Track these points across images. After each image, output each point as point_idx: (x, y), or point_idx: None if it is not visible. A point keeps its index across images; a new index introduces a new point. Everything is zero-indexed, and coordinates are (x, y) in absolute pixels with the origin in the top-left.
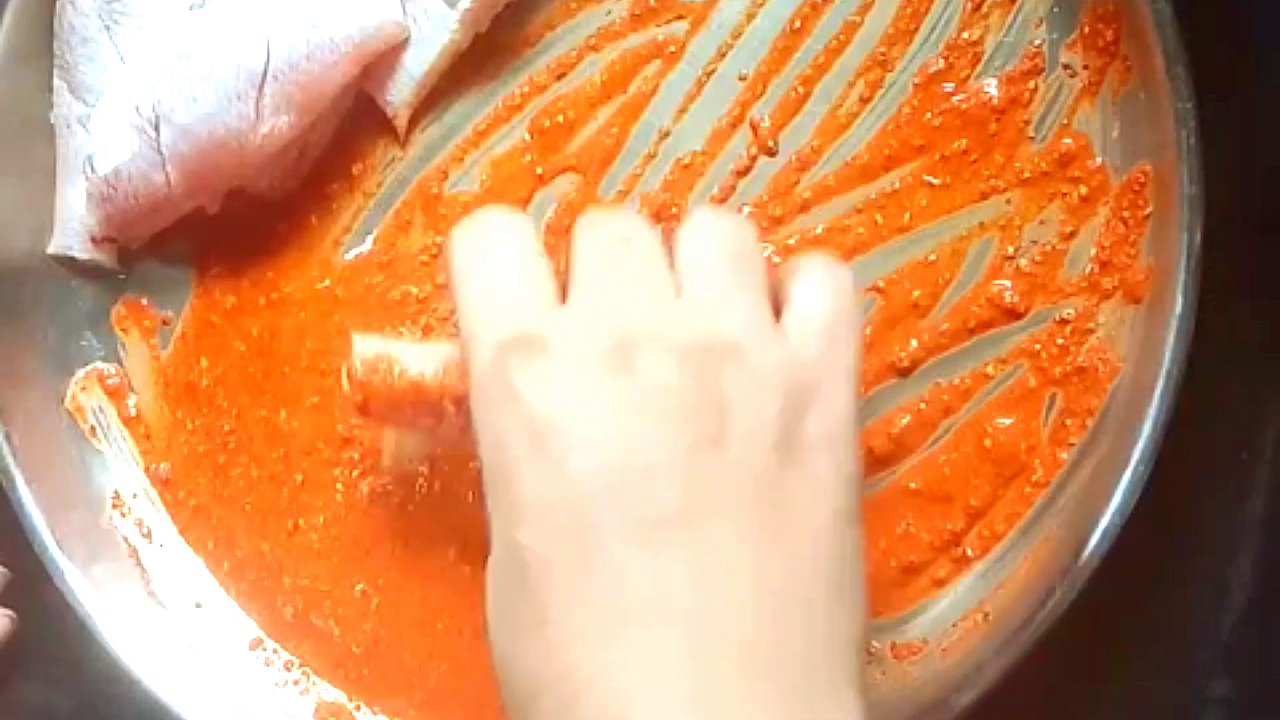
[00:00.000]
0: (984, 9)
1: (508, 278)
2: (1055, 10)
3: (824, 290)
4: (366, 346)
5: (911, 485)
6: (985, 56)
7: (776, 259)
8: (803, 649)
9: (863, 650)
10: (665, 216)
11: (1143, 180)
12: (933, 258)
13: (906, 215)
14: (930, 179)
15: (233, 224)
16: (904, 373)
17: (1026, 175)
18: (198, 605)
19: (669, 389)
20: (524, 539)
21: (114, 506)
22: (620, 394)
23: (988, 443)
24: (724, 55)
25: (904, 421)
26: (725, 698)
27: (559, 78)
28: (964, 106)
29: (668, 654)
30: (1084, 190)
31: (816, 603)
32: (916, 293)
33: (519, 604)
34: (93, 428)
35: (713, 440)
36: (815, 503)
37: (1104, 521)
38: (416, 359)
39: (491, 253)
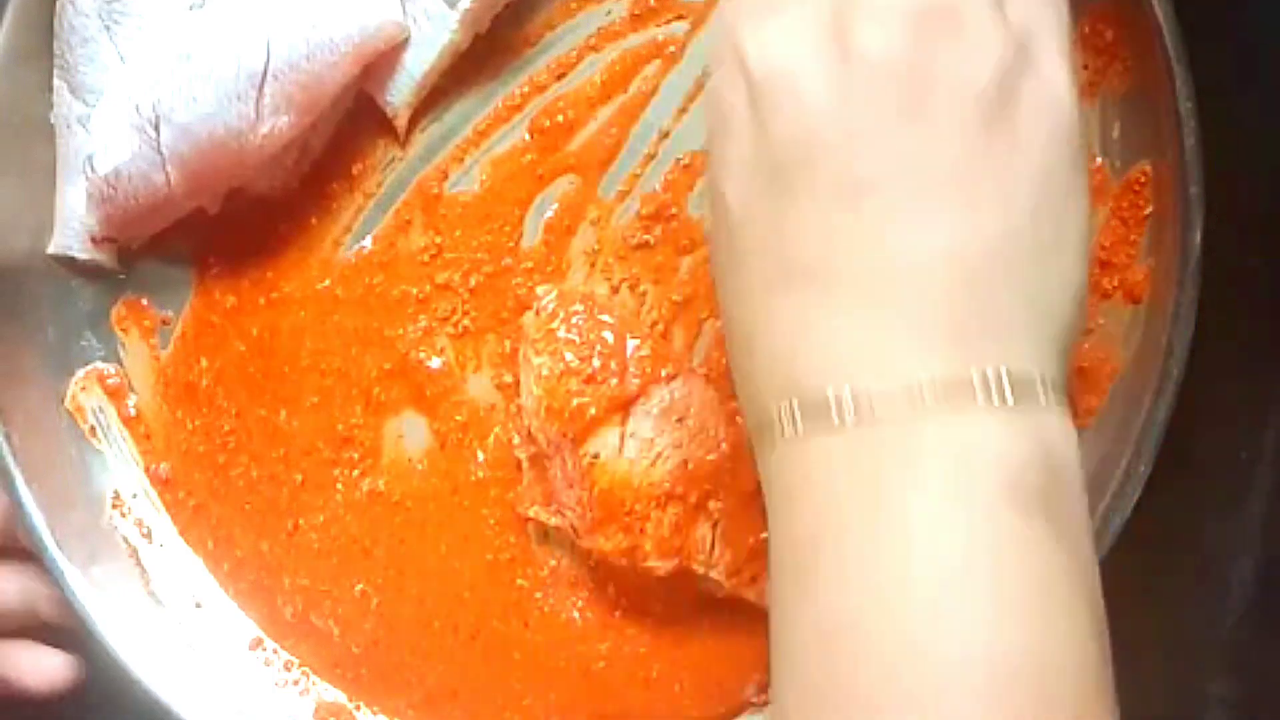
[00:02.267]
0: None
1: None
2: None
3: None
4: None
5: None
6: None
7: None
8: (993, 310)
9: (1073, 313)
10: (665, 216)
11: (1143, 180)
12: None
13: None
14: None
15: (233, 224)
16: None
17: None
18: (198, 605)
19: (879, 59)
20: (729, 193)
21: (114, 506)
22: (833, 61)
23: None
24: None
25: None
26: (895, 346)
27: (559, 78)
28: None
29: (842, 306)
30: None
31: (1015, 268)
32: None
33: (728, 254)
34: (93, 428)
35: (916, 112)
36: (1023, 168)
37: (1104, 521)
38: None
39: None
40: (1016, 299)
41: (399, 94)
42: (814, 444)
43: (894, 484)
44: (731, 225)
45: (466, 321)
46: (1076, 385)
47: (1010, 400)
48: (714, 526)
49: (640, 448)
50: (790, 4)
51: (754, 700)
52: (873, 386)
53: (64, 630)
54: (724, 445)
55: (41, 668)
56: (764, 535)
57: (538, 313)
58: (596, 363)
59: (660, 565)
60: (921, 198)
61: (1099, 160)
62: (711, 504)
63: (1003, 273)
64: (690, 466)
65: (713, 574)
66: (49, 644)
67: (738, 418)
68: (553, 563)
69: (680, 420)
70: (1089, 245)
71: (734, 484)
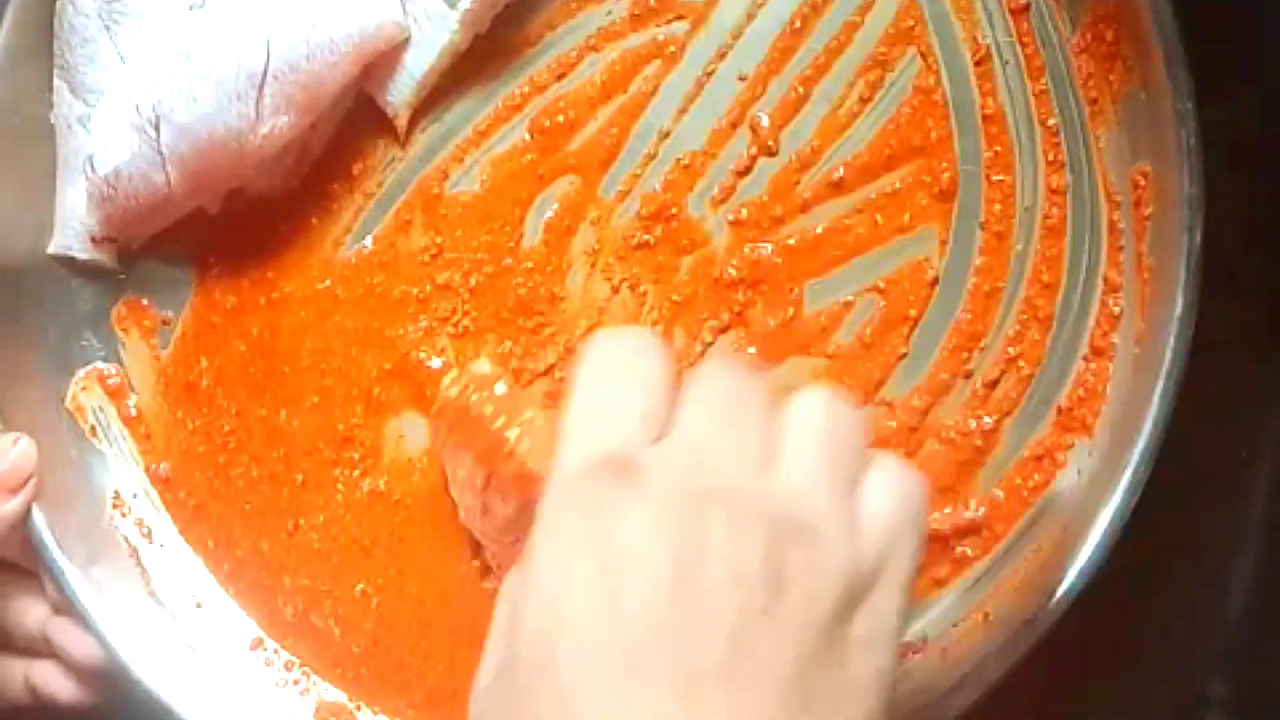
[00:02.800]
0: None
1: (628, 400)
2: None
3: (899, 496)
4: (484, 367)
5: None
6: None
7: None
8: None
9: None
10: (665, 217)
11: (1143, 180)
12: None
13: (906, 215)
14: (930, 179)
15: (233, 224)
16: (905, 373)
17: None
18: (198, 605)
19: (738, 552)
20: (561, 657)
21: (114, 506)
22: (693, 543)
23: (978, 442)
24: (724, 55)
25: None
26: None
27: (559, 78)
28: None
29: None
30: None
31: None
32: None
33: (544, 706)
34: (93, 428)
35: (765, 609)
36: (847, 700)
37: (1104, 521)
38: (509, 408)
39: (622, 370)
40: None
41: (399, 94)
42: None
43: None
44: (552, 682)
45: (466, 322)
46: (1077, 393)
47: None
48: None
49: None
50: (652, 477)
51: None
52: None
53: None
54: None
55: (71, 683)
56: None
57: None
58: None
59: None
60: (771, 703)
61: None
62: None
63: None
64: None
65: None
66: None
67: None
68: None
69: None
70: None
71: None
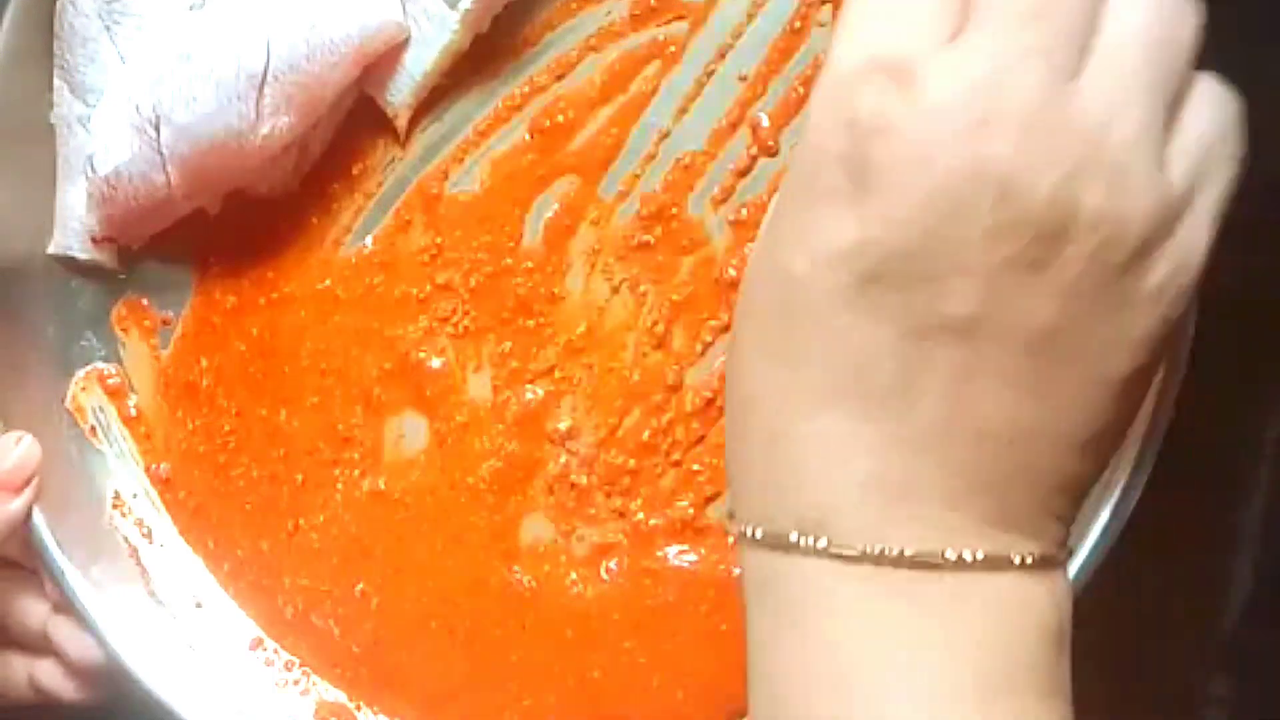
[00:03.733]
0: None
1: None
2: None
3: (1220, 121)
4: None
5: None
6: None
7: None
8: (1019, 487)
9: (1085, 491)
10: (666, 217)
11: None
12: None
13: None
14: None
15: (233, 224)
16: None
17: None
18: (198, 605)
19: (1019, 190)
20: (800, 268)
21: (114, 506)
22: (963, 169)
23: None
24: (724, 55)
25: None
26: (934, 513)
27: (559, 78)
28: None
29: (897, 451)
30: None
31: (1060, 453)
32: None
33: (778, 338)
34: (93, 428)
35: (1039, 266)
36: (1111, 359)
37: (1104, 521)
38: None
39: None
40: (1067, 483)
41: (399, 94)
42: (816, 565)
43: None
44: (794, 309)
45: (466, 322)
46: None
47: (1037, 570)
48: None
49: None
50: (929, 85)
51: None
52: (907, 548)
53: None
54: None
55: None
56: None
57: None
58: None
59: None
60: (1013, 363)
61: None
62: None
63: (1065, 459)
64: None
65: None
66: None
67: None
68: (546, 568)
69: None
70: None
71: None
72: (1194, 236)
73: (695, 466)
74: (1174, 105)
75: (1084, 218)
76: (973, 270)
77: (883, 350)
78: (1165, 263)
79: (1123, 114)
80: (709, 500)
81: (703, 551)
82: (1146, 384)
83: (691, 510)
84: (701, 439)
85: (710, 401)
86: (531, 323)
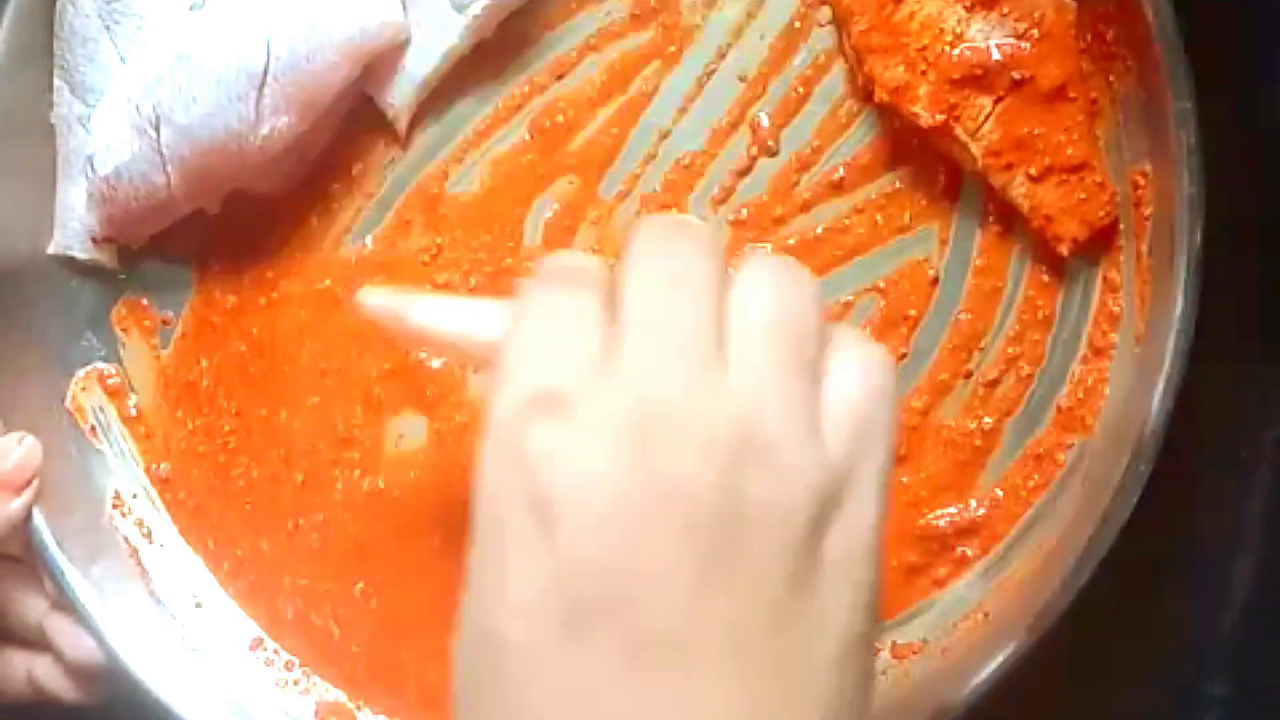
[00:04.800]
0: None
1: (559, 322)
2: None
3: (864, 376)
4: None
5: (904, 480)
6: None
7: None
8: None
9: None
10: None
11: (1143, 180)
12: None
13: (906, 215)
14: (930, 179)
15: (233, 224)
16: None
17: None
18: (198, 605)
19: (687, 491)
20: (504, 626)
21: (114, 506)
22: (634, 484)
23: (978, 442)
24: (724, 55)
25: (903, 423)
26: None
27: (559, 78)
28: None
29: None
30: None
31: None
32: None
33: (491, 689)
34: (93, 428)
35: (724, 561)
36: (823, 634)
37: (1104, 521)
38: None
39: (551, 298)
40: None
41: (400, 96)
42: None
43: None
44: (509, 670)
45: None
46: (1077, 393)
47: None
48: (996, 102)
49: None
50: (585, 411)
51: None
52: None
53: None
54: (1036, 32)
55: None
56: (1038, 131)
57: None
58: None
59: (925, 115)
60: (730, 666)
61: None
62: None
63: None
64: (999, 45)
65: (972, 146)
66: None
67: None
68: None
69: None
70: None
71: (1034, 76)
72: (863, 504)
73: None
74: (817, 374)
75: (752, 509)
76: (668, 583)
77: (605, 687)
78: (841, 533)
79: (767, 398)
80: None
81: None
82: (867, 649)
83: None
84: None
85: None
86: None
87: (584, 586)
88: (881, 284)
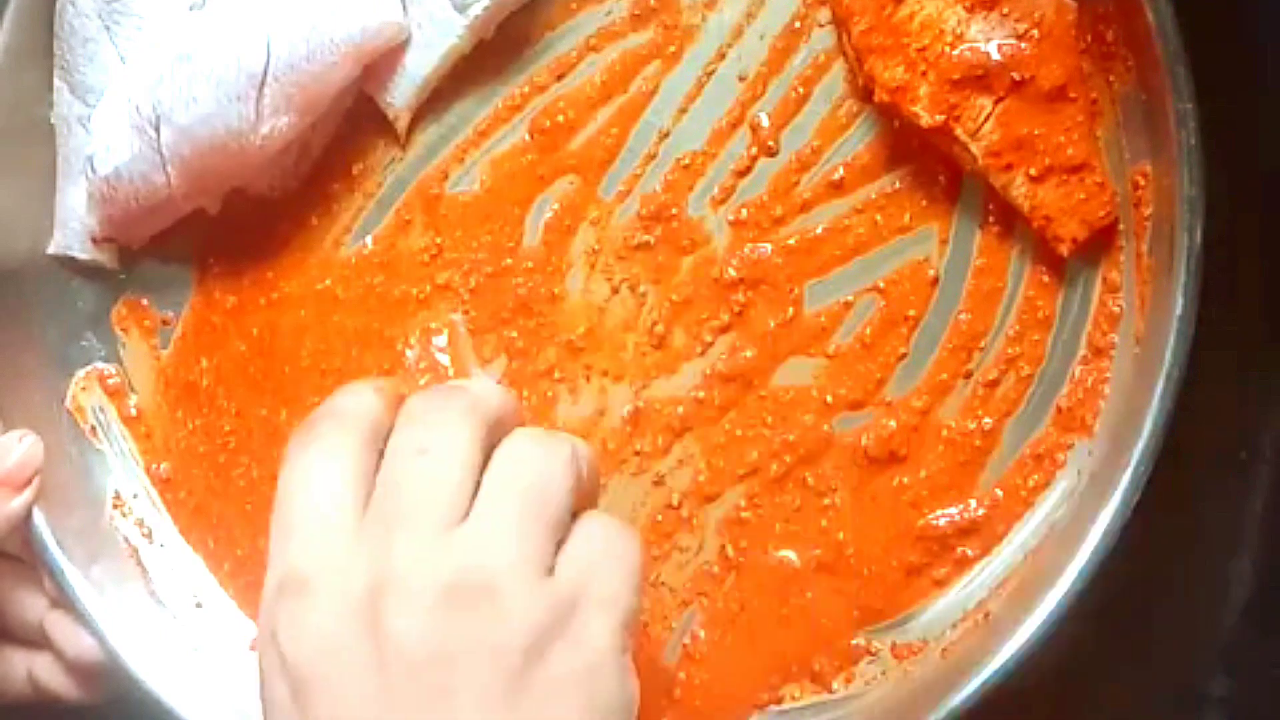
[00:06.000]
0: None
1: (309, 503)
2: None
3: (602, 533)
4: None
5: (904, 480)
6: None
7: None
8: None
9: None
10: (665, 217)
11: (1143, 180)
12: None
13: (906, 215)
14: (930, 179)
15: (233, 224)
16: (905, 373)
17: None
18: (198, 605)
19: (409, 645)
20: None
21: (114, 506)
22: (364, 648)
23: (978, 442)
24: (724, 55)
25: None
26: None
27: (559, 78)
28: None
29: None
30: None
31: None
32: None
33: None
34: (93, 428)
35: (445, 692)
36: None
37: (1104, 521)
38: None
39: (305, 470)
40: None
41: (400, 96)
42: None
43: None
44: None
45: (466, 322)
46: (1077, 393)
47: None
48: (996, 102)
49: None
50: (322, 587)
51: (759, 703)
52: None
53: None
54: (1037, 33)
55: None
56: (1038, 132)
57: None
58: None
59: (925, 115)
60: None
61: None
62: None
63: None
64: (1000, 46)
65: (972, 146)
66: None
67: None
68: None
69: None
70: None
71: (1034, 76)
72: (592, 623)
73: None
74: (557, 530)
75: (463, 647)
76: None
77: None
78: (566, 651)
79: (496, 546)
80: (709, 499)
81: (697, 546)
82: None
83: (686, 508)
84: (683, 435)
85: (700, 401)
86: (531, 323)
87: None
88: (881, 284)
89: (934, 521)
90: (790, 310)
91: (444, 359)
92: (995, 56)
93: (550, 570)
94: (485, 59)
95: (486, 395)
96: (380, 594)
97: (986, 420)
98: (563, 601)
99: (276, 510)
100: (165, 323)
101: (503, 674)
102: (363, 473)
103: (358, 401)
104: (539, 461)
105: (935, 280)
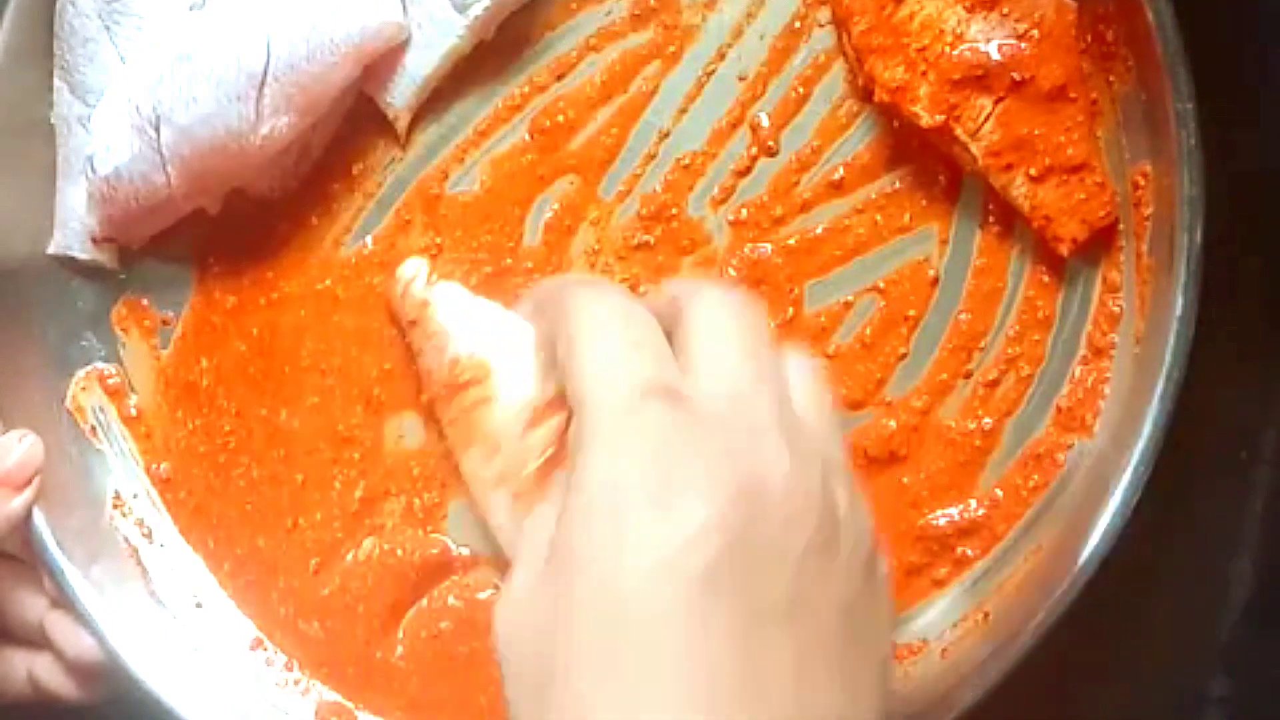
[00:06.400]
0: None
1: (647, 336)
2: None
3: (812, 379)
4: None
5: (904, 480)
6: None
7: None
8: None
9: None
10: (665, 217)
11: (1143, 180)
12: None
13: (906, 215)
14: (930, 179)
15: (233, 224)
16: (905, 373)
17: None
18: (198, 605)
19: (798, 486)
20: (627, 582)
21: (114, 506)
22: (753, 473)
23: (978, 442)
24: (724, 55)
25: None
26: None
27: (559, 78)
28: None
29: None
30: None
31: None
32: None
33: (604, 650)
34: (93, 428)
35: (824, 548)
36: (879, 637)
37: (1104, 521)
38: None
39: (630, 314)
40: None
41: (400, 96)
42: None
43: None
44: (629, 624)
45: None
46: (1077, 393)
47: None
48: (996, 102)
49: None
50: (694, 399)
51: None
52: None
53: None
54: (1037, 33)
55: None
56: (1038, 132)
57: None
58: None
59: (925, 115)
60: (830, 647)
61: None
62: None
63: None
64: (1000, 46)
65: (972, 146)
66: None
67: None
68: None
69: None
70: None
71: (1034, 76)
72: (857, 500)
73: None
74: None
75: (841, 510)
76: (783, 557)
77: (727, 648)
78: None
79: (828, 430)
80: None
81: None
82: (890, 672)
83: None
84: None
85: None
86: None
87: (711, 562)
88: (881, 284)
89: (934, 521)
90: (790, 310)
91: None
92: (995, 56)
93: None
94: (485, 59)
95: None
96: (766, 435)
97: (986, 420)
98: (840, 473)
99: (604, 328)
100: (165, 323)
101: (865, 551)
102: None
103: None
104: (745, 316)
105: (935, 280)
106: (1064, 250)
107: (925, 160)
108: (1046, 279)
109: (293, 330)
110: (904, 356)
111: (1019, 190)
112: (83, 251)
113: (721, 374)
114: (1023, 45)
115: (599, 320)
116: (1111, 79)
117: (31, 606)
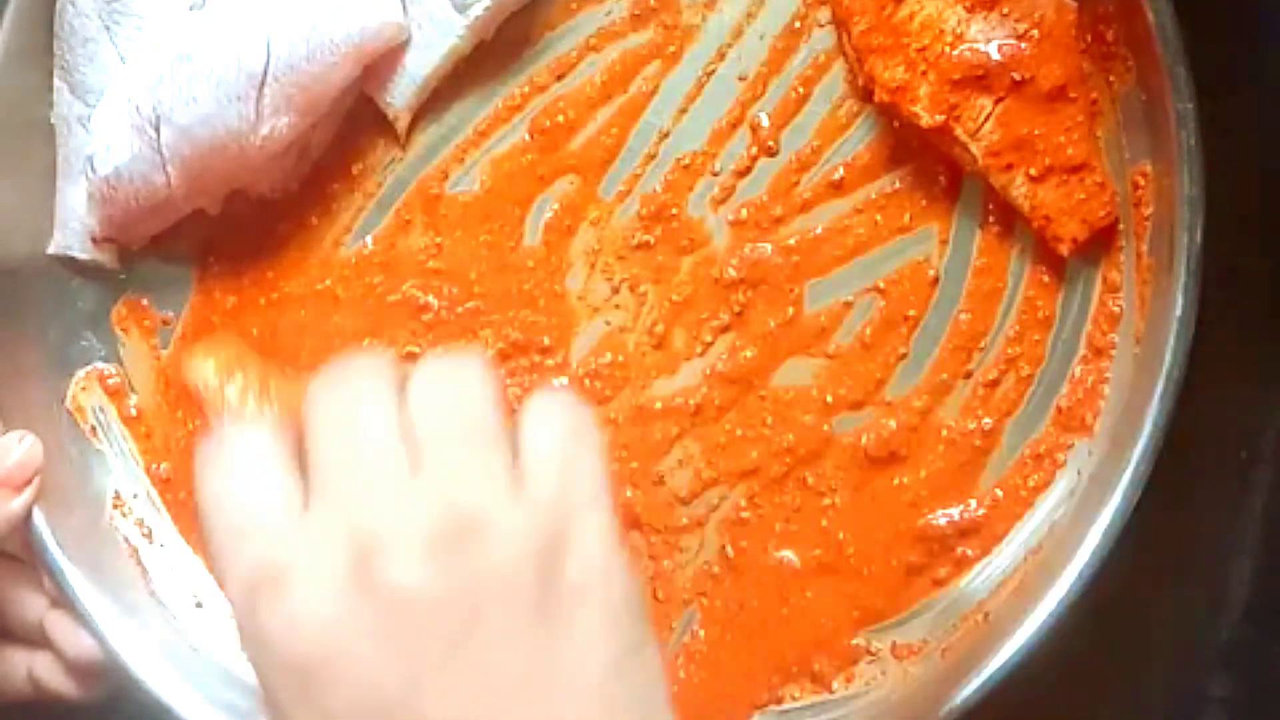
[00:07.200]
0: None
1: (247, 502)
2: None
3: (550, 419)
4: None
5: (904, 480)
6: None
7: None
8: None
9: None
10: (665, 217)
11: (1143, 180)
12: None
13: (906, 215)
14: (930, 179)
15: (233, 224)
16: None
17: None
18: (198, 605)
19: (416, 596)
20: None
21: (114, 506)
22: (368, 615)
23: (978, 442)
24: (724, 55)
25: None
26: None
27: (559, 78)
28: None
29: None
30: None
31: None
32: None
33: None
34: (93, 428)
35: (468, 633)
36: (586, 657)
37: (1104, 521)
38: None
39: (230, 475)
40: None
41: (400, 96)
42: None
43: None
44: None
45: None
46: (1077, 393)
47: None
48: (996, 102)
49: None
50: (300, 571)
51: (759, 703)
52: None
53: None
54: (1037, 33)
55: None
56: (1038, 132)
57: None
58: None
59: (925, 115)
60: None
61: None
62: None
63: None
64: (1000, 46)
65: (972, 146)
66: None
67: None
68: None
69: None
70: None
71: (1034, 76)
72: (588, 533)
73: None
74: (500, 439)
75: (479, 576)
76: (427, 681)
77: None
78: (578, 563)
79: (460, 481)
80: (709, 500)
81: (697, 546)
82: (643, 653)
83: (684, 512)
84: (682, 435)
85: (700, 401)
86: (532, 322)
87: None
88: (881, 284)
89: (934, 521)
90: (790, 310)
91: None
92: (995, 56)
93: (519, 482)
94: (485, 59)
95: (370, 360)
96: (370, 558)
97: (986, 420)
98: (549, 510)
99: (210, 521)
100: (165, 323)
101: (522, 599)
102: (287, 467)
103: (253, 411)
104: (456, 379)
105: (935, 280)
106: (1064, 250)
107: (925, 160)
108: (1046, 279)
109: (293, 330)
110: (904, 356)
111: (1019, 190)
112: (83, 251)
113: (324, 492)
114: (1023, 45)
115: (207, 502)
116: (1111, 79)
117: (31, 606)
